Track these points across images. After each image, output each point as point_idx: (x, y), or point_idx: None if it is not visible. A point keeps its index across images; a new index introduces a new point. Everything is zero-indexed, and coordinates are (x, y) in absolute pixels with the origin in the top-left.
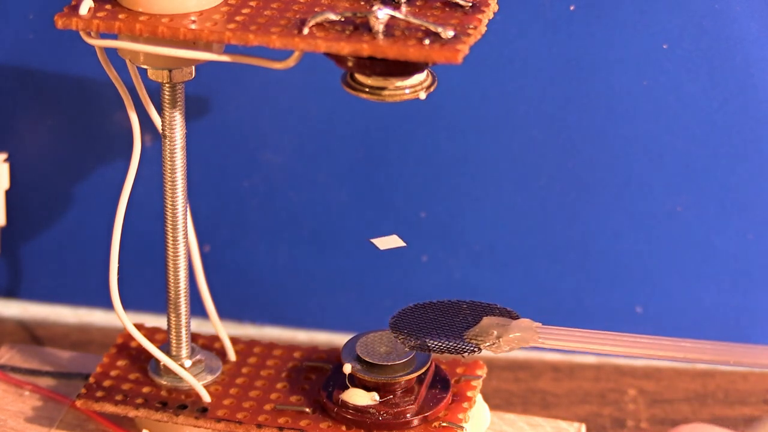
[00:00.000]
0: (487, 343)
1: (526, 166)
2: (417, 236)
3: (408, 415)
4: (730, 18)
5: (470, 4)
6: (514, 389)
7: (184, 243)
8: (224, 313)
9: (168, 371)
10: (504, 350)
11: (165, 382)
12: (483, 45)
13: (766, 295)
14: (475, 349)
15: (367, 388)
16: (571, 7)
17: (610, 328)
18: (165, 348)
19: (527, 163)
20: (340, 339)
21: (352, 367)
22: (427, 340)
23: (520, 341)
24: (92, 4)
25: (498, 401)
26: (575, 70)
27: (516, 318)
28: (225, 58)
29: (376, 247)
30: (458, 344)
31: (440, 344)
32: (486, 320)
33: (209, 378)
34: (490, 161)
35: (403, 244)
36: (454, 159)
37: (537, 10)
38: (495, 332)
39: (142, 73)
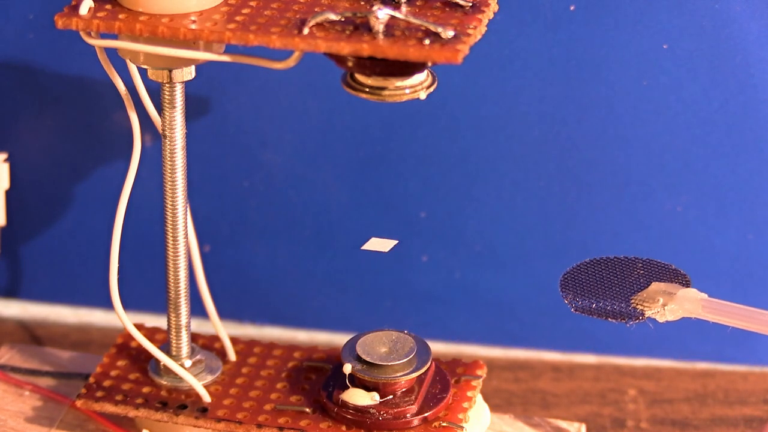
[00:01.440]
0: (653, 311)
1: (526, 166)
2: (417, 236)
3: (408, 415)
4: (730, 18)
5: (470, 4)
6: (514, 389)
7: (184, 243)
8: (224, 313)
9: (168, 371)
10: (668, 318)
11: (165, 382)
12: (483, 45)
13: (766, 295)
14: (640, 316)
15: (368, 388)
16: (571, 7)
17: (610, 328)
18: (165, 348)
19: (527, 163)
20: (340, 339)
21: (353, 367)
22: (592, 303)
23: (685, 311)
24: (92, 4)
25: (498, 401)
26: (575, 70)
27: (687, 285)
28: (225, 57)
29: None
30: (623, 309)
31: (605, 308)
32: (654, 286)
33: (209, 378)
34: (490, 161)
35: (395, 242)
36: (454, 159)
37: (537, 10)
38: (661, 300)
39: (142, 73)
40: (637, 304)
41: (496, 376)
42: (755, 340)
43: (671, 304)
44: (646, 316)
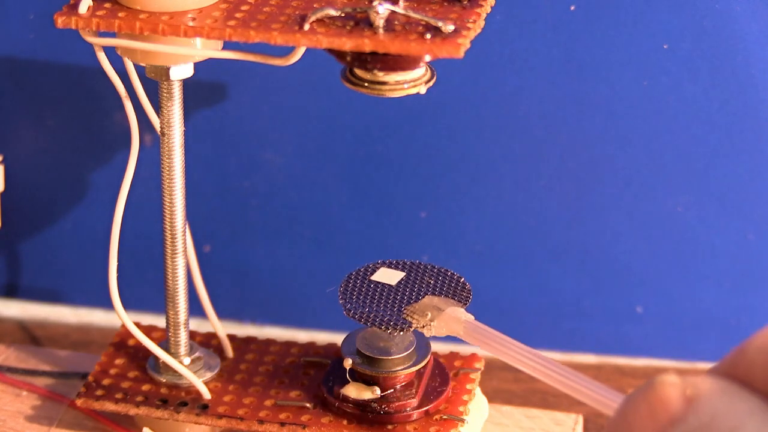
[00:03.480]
0: (419, 324)
1: (526, 166)
2: (417, 236)
3: (409, 408)
4: (731, 18)
5: None
6: (515, 389)
7: (182, 241)
8: (224, 313)
9: (167, 369)
10: (433, 334)
11: (164, 380)
12: (483, 45)
13: (766, 295)
14: (406, 328)
15: (368, 382)
16: (572, 7)
17: (610, 328)
18: (163, 345)
19: (527, 163)
20: (340, 339)
21: (353, 362)
22: (365, 308)
23: (448, 330)
24: (91, 3)
25: (498, 401)
26: (575, 70)
27: (465, 302)
28: (226, 54)
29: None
30: (391, 319)
31: (373, 315)
32: (427, 299)
33: (208, 375)
34: (490, 161)
35: (402, 274)
36: (454, 159)
37: (537, 10)
38: (429, 314)
39: (140, 71)
40: (407, 315)
41: (496, 376)
42: None
43: (437, 321)
44: (411, 329)
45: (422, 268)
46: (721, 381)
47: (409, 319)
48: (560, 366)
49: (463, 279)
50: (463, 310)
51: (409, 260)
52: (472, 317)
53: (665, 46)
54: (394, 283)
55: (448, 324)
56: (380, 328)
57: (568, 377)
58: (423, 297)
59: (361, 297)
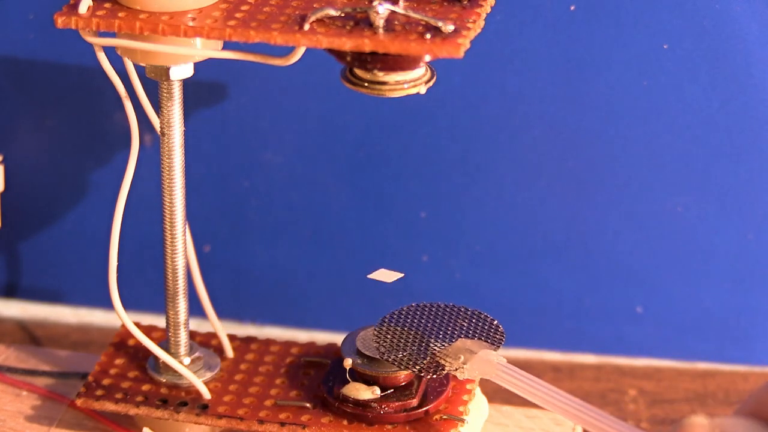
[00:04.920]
0: (452, 368)
1: (526, 166)
2: (417, 236)
3: (409, 408)
4: (731, 18)
5: None
6: None
7: (183, 241)
8: (224, 313)
9: (167, 369)
10: (466, 377)
11: (164, 380)
12: (483, 45)
13: (766, 295)
14: (440, 371)
15: (368, 382)
16: (572, 7)
17: (610, 328)
18: (163, 345)
19: (527, 163)
20: (340, 339)
21: (353, 362)
22: (399, 353)
23: (481, 373)
24: (91, 3)
25: (498, 401)
26: (575, 70)
27: (498, 344)
28: (226, 54)
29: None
30: (425, 362)
31: (404, 358)
32: (460, 342)
33: (208, 375)
34: (490, 161)
35: (401, 275)
36: (454, 159)
37: (537, 10)
38: (462, 357)
39: (141, 72)
40: (440, 358)
41: None
42: (755, 340)
43: (469, 364)
44: (444, 372)
45: (456, 310)
46: (747, 421)
47: (442, 362)
48: (591, 408)
49: (496, 321)
50: (495, 352)
51: (443, 303)
52: (504, 360)
53: (665, 46)
54: (390, 281)
55: (480, 367)
56: (413, 371)
57: (599, 419)
58: (455, 339)
59: (395, 339)
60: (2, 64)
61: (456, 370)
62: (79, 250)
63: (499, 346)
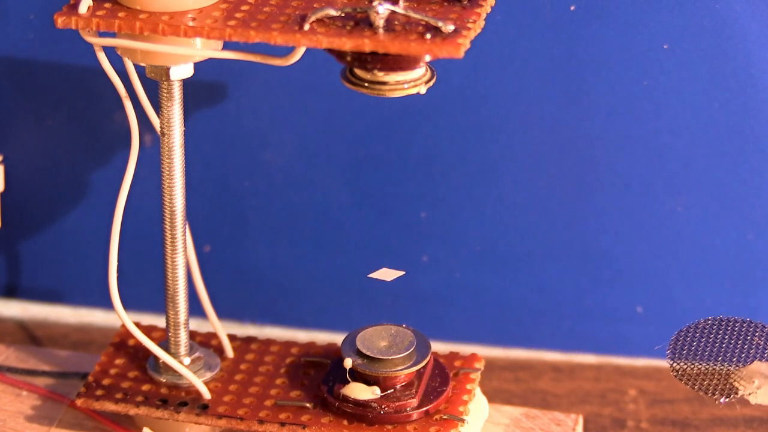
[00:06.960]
0: (746, 391)
1: (526, 166)
2: (417, 236)
3: (409, 408)
4: (731, 18)
5: None
6: (515, 389)
7: (182, 241)
8: (225, 313)
9: (167, 369)
10: (759, 402)
11: (164, 380)
12: (483, 45)
13: (766, 295)
14: (733, 395)
15: (368, 382)
16: (572, 7)
17: (610, 328)
18: (164, 345)
19: (527, 163)
20: (340, 339)
21: (353, 362)
22: (687, 375)
23: None
24: (91, 3)
25: (499, 402)
26: (575, 70)
27: None
28: (226, 54)
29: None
30: (717, 384)
31: (699, 379)
32: (755, 365)
33: (208, 375)
34: (490, 161)
35: (402, 273)
36: (454, 159)
37: (537, 10)
38: (756, 381)
39: (141, 72)
40: (735, 381)
41: (496, 376)
42: None
43: (763, 389)
44: (738, 395)
45: (752, 327)
46: None
47: (737, 384)
48: None
49: None
50: None
51: (740, 318)
52: None
53: (665, 46)
54: (390, 279)
55: None
56: (706, 395)
57: None
58: (751, 359)
59: (690, 355)
60: (2, 64)
61: (749, 394)
62: (79, 250)
63: None
